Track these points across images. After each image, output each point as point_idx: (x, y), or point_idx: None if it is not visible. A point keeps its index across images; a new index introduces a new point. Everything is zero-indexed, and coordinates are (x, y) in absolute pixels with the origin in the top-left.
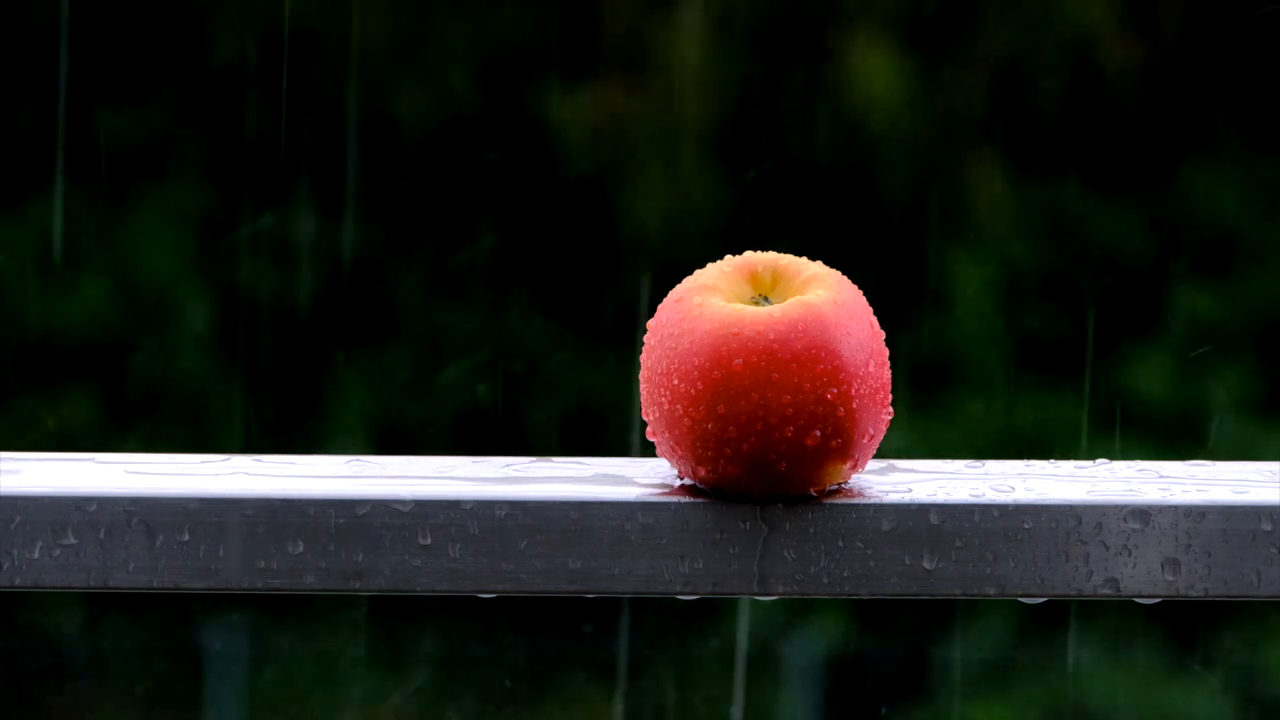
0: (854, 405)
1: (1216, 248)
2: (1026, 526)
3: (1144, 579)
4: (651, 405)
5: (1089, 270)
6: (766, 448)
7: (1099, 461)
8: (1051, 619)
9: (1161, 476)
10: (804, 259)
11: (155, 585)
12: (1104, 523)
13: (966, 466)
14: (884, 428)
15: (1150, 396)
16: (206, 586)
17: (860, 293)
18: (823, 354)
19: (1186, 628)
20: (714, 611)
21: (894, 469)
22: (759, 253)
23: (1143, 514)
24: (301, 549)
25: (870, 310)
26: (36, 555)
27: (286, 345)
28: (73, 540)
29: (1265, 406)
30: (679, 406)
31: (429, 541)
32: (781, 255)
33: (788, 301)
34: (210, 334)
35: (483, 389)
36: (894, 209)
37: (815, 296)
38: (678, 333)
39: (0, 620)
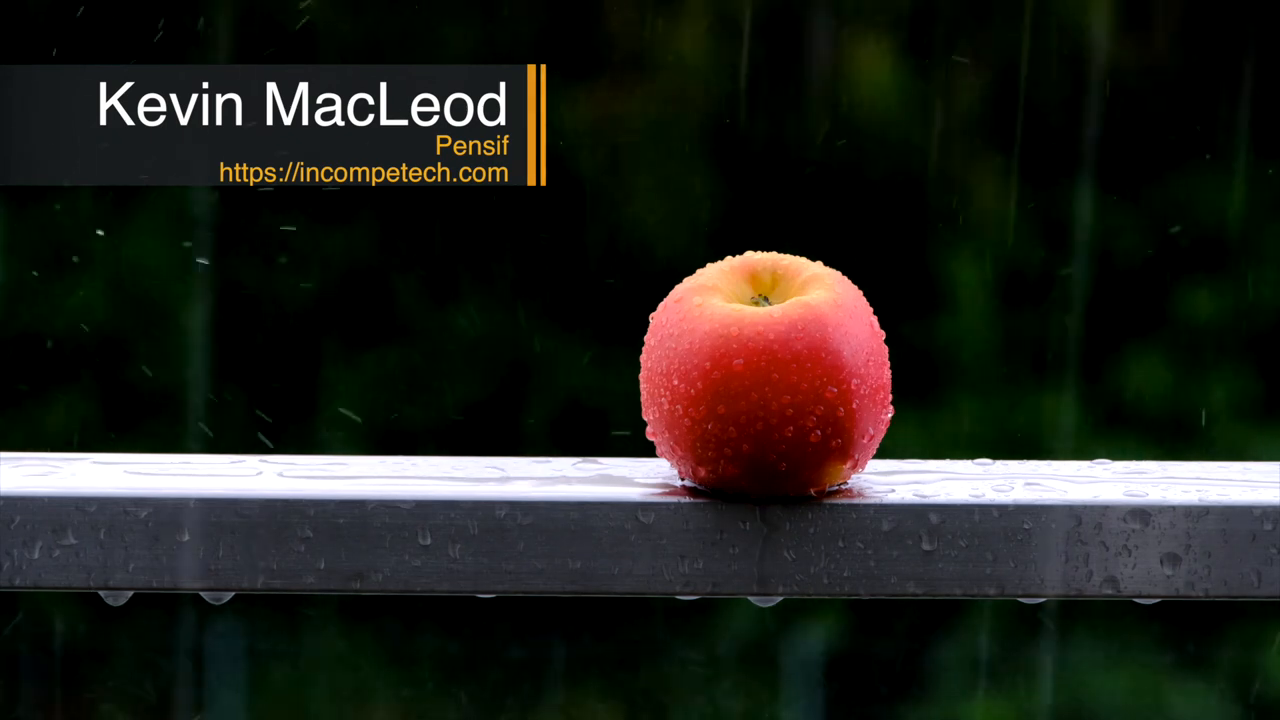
0: (854, 405)
1: (1216, 248)
2: (1026, 526)
3: (1144, 579)
4: (651, 405)
5: (1088, 270)
6: (766, 448)
7: (1099, 461)
8: (1051, 619)
9: (1161, 476)
10: (804, 259)
11: (155, 585)
12: (1104, 523)
13: (967, 466)
14: (884, 428)
15: (1150, 396)
16: (206, 586)
17: (860, 293)
18: (823, 354)
19: (1186, 628)
20: (713, 611)
21: (894, 469)
22: (759, 253)
23: (1143, 514)
24: (301, 549)
25: (870, 310)
26: (36, 555)
27: (286, 345)
28: (73, 540)
29: (1264, 407)
30: (679, 406)
31: (429, 541)
32: (781, 255)
33: (787, 302)
34: (209, 334)
35: (482, 389)
36: (893, 209)
37: (815, 297)
38: (678, 333)
39: (0, 620)
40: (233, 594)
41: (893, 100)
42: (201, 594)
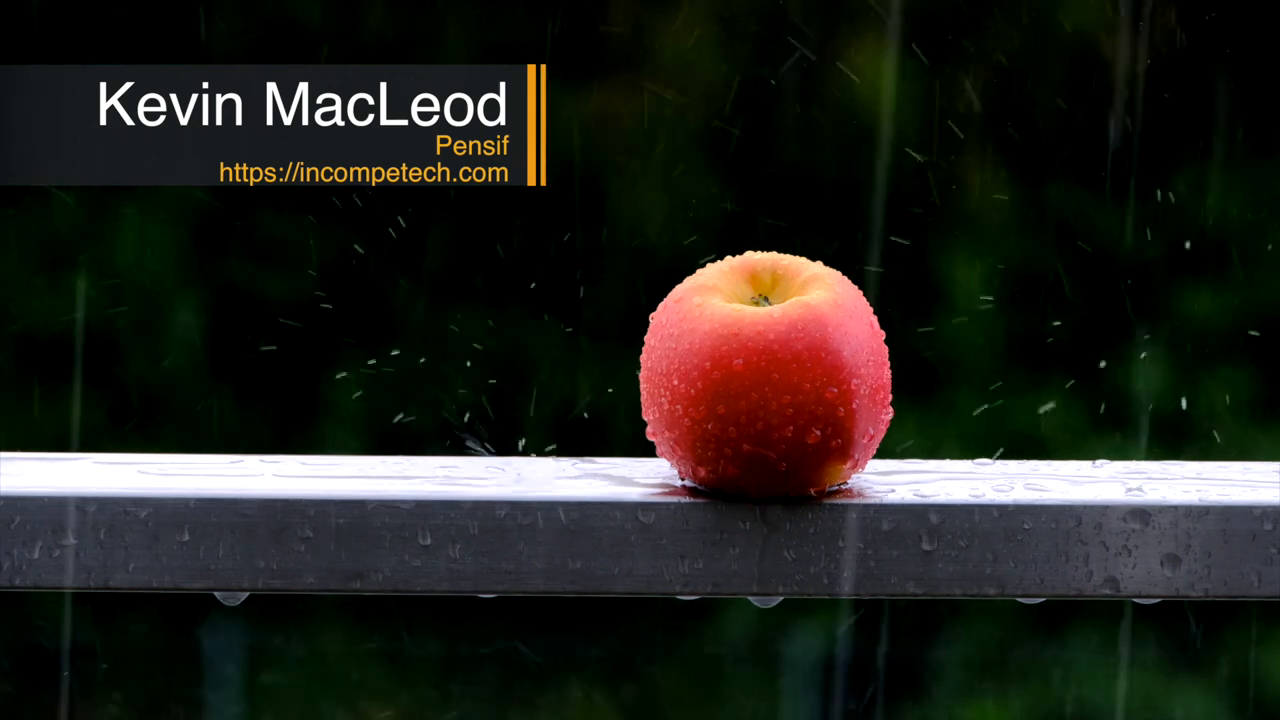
0: (854, 405)
1: (1215, 248)
2: (1026, 526)
3: (1144, 579)
4: (651, 405)
5: (1088, 270)
6: (766, 448)
7: (1099, 461)
8: (1050, 619)
9: (1161, 476)
10: (804, 259)
11: (155, 585)
12: (1104, 523)
13: (967, 466)
14: (884, 428)
15: (1150, 396)
16: (206, 586)
17: (860, 293)
18: (822, 354)
19: (1185, 628)
20: (713, 611)
21: (894, 469)
22: (759, 253)
23: (1143, 514)
24: (301, 549)
25: (870, 310)
26: (36, 555)
27: (285, 345)
28: (73, 540)
29: (1265, 407)
30: (679, 406)
31: (429, 541)
32: (782, 255)
33: (787, 302)
34: (208, 334)
35: (482, 390)
36: (893, 208)
37: (815, 297)
38: (678, 333)
39: (0, 620)
40: (246, 594)
41: (892, 99)
42: (216, 594)
